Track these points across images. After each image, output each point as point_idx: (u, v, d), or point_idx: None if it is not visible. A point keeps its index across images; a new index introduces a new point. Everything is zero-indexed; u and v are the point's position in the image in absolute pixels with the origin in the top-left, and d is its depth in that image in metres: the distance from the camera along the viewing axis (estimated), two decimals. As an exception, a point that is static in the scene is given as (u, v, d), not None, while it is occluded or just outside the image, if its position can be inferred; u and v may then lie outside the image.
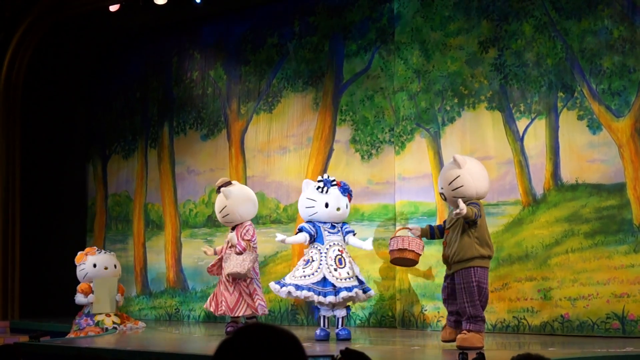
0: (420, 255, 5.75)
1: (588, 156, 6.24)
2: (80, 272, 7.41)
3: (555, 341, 5.77)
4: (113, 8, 8.23)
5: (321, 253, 6.12)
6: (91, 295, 7.27)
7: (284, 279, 6.20)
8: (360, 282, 6.11)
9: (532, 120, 6.52)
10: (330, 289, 5.99)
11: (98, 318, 7.25)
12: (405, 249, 5.66)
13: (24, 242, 8.85)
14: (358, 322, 7.29)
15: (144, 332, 7.33)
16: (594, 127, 6.24)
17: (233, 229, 6.87)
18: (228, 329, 6.73)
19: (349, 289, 5.99)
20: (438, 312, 6.78)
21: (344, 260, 6.12)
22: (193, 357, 5.53)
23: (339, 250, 6.16)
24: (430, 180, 6.97)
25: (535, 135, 6.50)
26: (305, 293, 5.99)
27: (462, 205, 5.17)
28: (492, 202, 6.56)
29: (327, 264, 6.05)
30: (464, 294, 5.30)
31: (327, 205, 6.21)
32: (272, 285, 6.18)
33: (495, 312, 6.46)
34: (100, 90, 9.49)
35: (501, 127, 6.67)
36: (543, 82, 6.48)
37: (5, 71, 8.82)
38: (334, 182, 6.34)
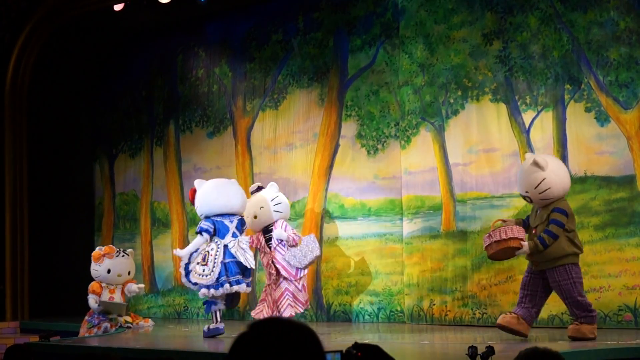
0: (521, 239, 5.39)
1: (596, 148, 6.22)
2: (93, 272, 7.38)
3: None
4: (117, 7, 8.23)
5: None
6: (97, 306, 7.23)
7: None
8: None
9: (539, 112, 6.50)
10: None
11: (110, 315, 7.25)
12: (503, 239, 5.40)
13: (32, 243, 8.86)
14: (367, 317, 7.28)
15: (154, 330, 7.34)
16: (602, 119, 6.21)
17: (267, 230, 6.49)
18: None
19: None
20: (446, 306, 6.78)
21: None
22: (204, 354, 5.54)
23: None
24: (436, 174, 6.96)
25: (542, 128, 6.47)
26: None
27: (525, 248, 5.34)
28: (496, 195, 6.55)
29: None
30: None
31: None
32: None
33: (499, 305, 6.44)
34: (106, 89, 9.49)
35: (506, 120, 6.65)
36: (549, 75, 6.45)
37: (11, 72, 8.82)
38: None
